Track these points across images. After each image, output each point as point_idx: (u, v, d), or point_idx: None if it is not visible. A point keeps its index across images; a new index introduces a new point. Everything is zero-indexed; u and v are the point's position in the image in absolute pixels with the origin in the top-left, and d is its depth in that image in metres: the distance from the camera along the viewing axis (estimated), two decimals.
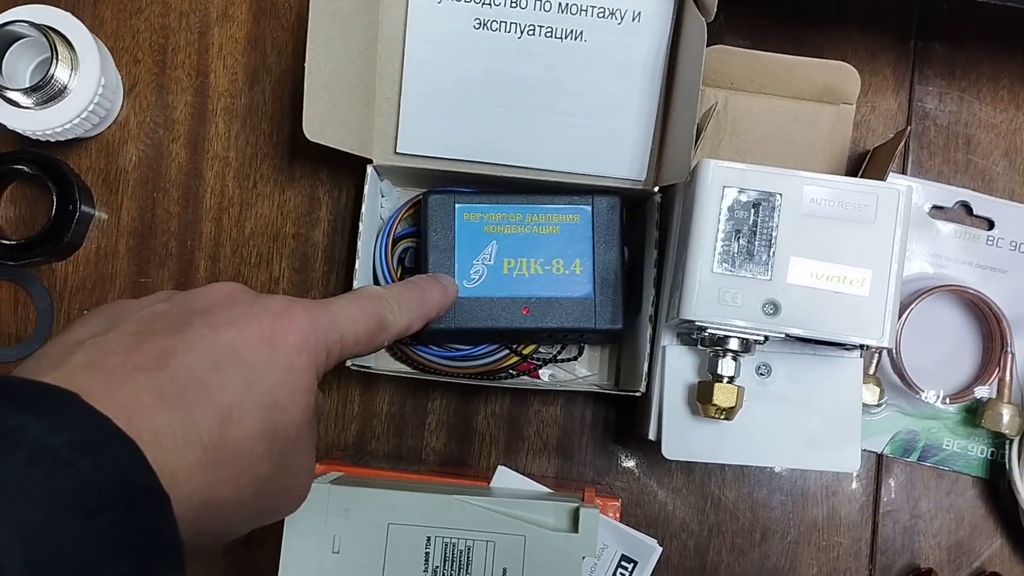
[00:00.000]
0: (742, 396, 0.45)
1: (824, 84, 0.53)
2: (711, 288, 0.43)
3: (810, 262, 0.43)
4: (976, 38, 0.58)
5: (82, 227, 0.55)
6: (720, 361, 0.44)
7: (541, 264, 0.50)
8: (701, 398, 0.45)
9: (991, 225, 0.56)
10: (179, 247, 0.56)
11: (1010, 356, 0.54)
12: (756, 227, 0.43)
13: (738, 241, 0.43)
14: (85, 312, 0.55)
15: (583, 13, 0.51)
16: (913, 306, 0.54)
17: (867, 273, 0.43)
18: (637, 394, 0.49)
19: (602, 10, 0.51)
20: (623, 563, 0.46)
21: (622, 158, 0.52)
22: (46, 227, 0.54)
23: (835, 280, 0.43)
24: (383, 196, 0.54)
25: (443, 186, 0.53)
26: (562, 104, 0.52)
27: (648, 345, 0.49)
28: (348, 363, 0.48)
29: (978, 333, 0.56)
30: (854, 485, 0.56)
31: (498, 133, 0.52)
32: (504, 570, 0.41)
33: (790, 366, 0.47)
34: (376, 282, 0.53)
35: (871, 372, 0.54)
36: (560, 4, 0.51)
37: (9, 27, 0.50)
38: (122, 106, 0.57)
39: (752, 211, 0.43)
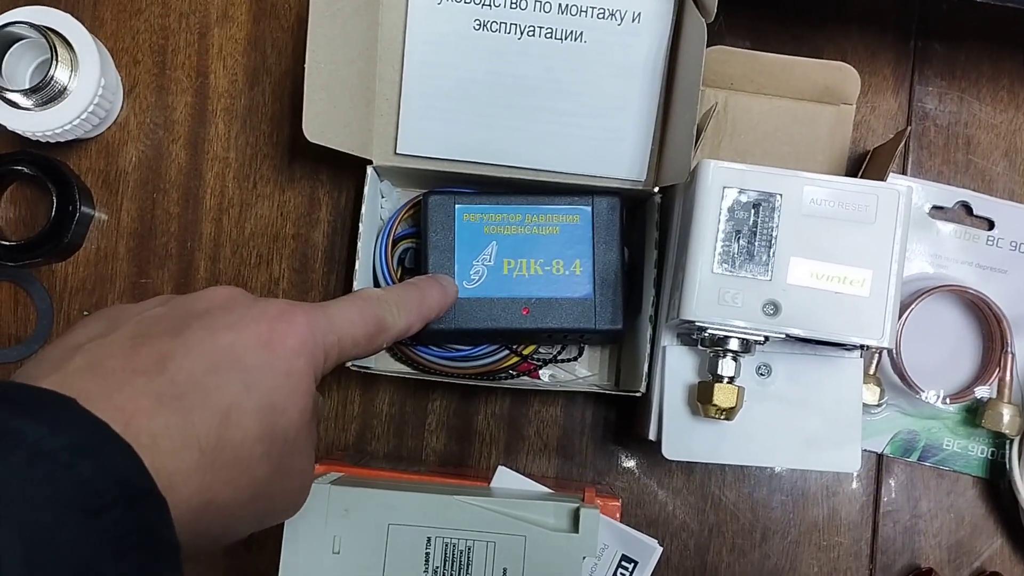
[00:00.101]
0: (742, 396, 0.45)
1: (824, 84, 0.53)
2: (711, 288, 0.43)
3: (810, 262, 0.43)
4: (976, 38, 0.58)
5: (82, 228, 0.55)
6: (720, 361, 0.44)
7: (541, 265, 0.50)
8: (701, 398, 0.45)
9: (991, 225, 0.56)
10: (179, 248, 0.56)
11: (1010, 356, 0.54)
12: (756, 227, 0.43)
13: (738, 241, 0.43)
14: (85, 313, 0.55)
15: (583, 14, 0.51)
16: (913, 306, 0.54)
17: (867, 273, 0.43)
18: (637, 394, 0.49)
19: (602, 11, 0.51)
20: (623, 563, 0.46)
21: (622, 159, 0.52)
22: (46, 228, 0.54)
23: (835, 280, 0.43)
24: (383, 197, 0.54)
25: (443, 187, 0.53)
26: (562, 105, 0.52)
27: (648, 345, 0.49)
28: (348, 364, 0.48)
29: (978, 333, 0.56)
30: (854, 485, 0.56)
31: (498, 134, 0.52)
32: (504, 570, 0.41)
33: (790, 366, 0.47)
34: (376, 283, 0.53)
35: (871, 372, 0.54)
36: (560, 5, 0.51)
37: (9, 28, 0.50)
38: (122, 107, 0.57)
39: (752, 211, 0.43)
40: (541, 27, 0.51)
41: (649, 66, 0.51)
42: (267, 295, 0.56)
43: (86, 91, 0.51)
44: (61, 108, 0.51)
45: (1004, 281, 0.56)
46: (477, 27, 0.51)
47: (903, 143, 0.51)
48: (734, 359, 0.44)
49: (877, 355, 0.54)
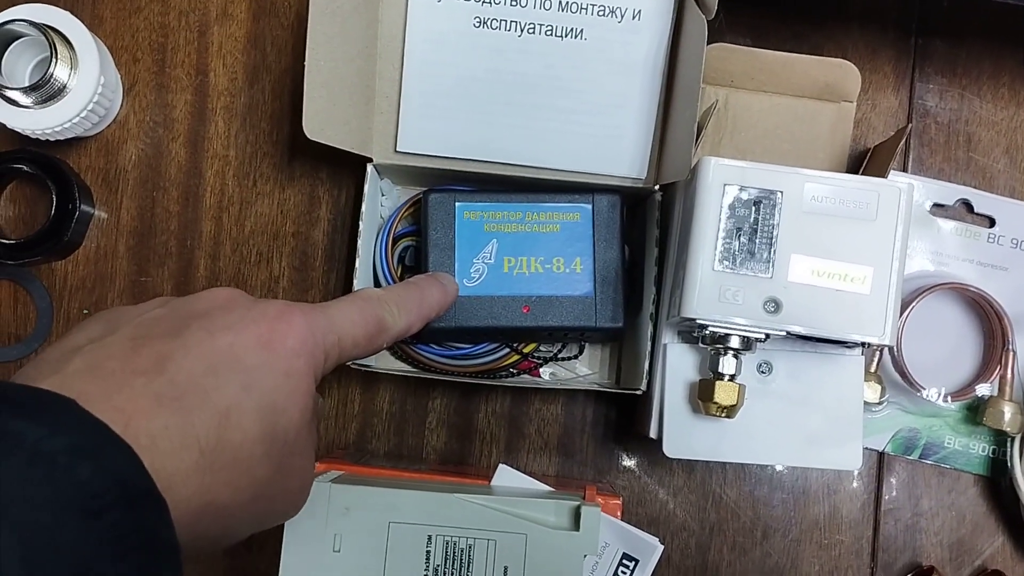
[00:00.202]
0: (743, 394, 0.45)
1: (825, 82, 0.53)
2: (712, 286, 0.43)
3: (811, 260, 0.43)
4: (977, 35, 0.58)
5: (82, 226, 0.55)
6: (721, 359, 0.44)
7: (541, 263, 0.50)
8: (702, 396, 0.45)
9: (992, 223, 0.56)
10: (179, 246, 0.56)
11: (1011, 354, 0.54)
12: (757, 225, 0.43)
13: (739, 239, 0.43)
14: (85, 312, 0.55)
15: (583, 11, 0.51)
16: (914, 304, 0.54)
17: (868, 271, 0.43)
18: (638, 392, 0.49)
19: (602, 8, 0.51)
20: (624, 561, 0.46)
21: (622, 156, 0.52)
22: (46, 226, 0.54)
23: (836, 278, 0.43)
24: (383, 195, 0.54)
25: (443, 185, 0.53)
26: (562, 102, 0.52)
27: (649, 343, 0.49)
28: (348, 362, 0.48)
29: (979, 331, 0.56)
30: (855, 483, 0.56)
31: (498, 132, 0.52)
32: (505, 569, 0.41)
33: (791, 364, 0.47)
34: (376, 281, 0.53)
35: (872, 370, 0.54)
36: (560, 2, 0.51)
37: (8, 26, 0.50)
38: (121, 105, 0.56)
39: (753, 209, 0.43)
40: (541, 24, 0.51)
41: (649, 63, 0.51)
42: (267, 293, 0.56)
43: (85, 89, 0.51)
44: (61, 106, 0.51)
45: (1005, 278, 0.56)
46: (477, 25, 0.51)
47: (904, 140, 0.51)
48: (735, 357, 0.44)
49: (878, 353, 0.54)
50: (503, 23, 0.51)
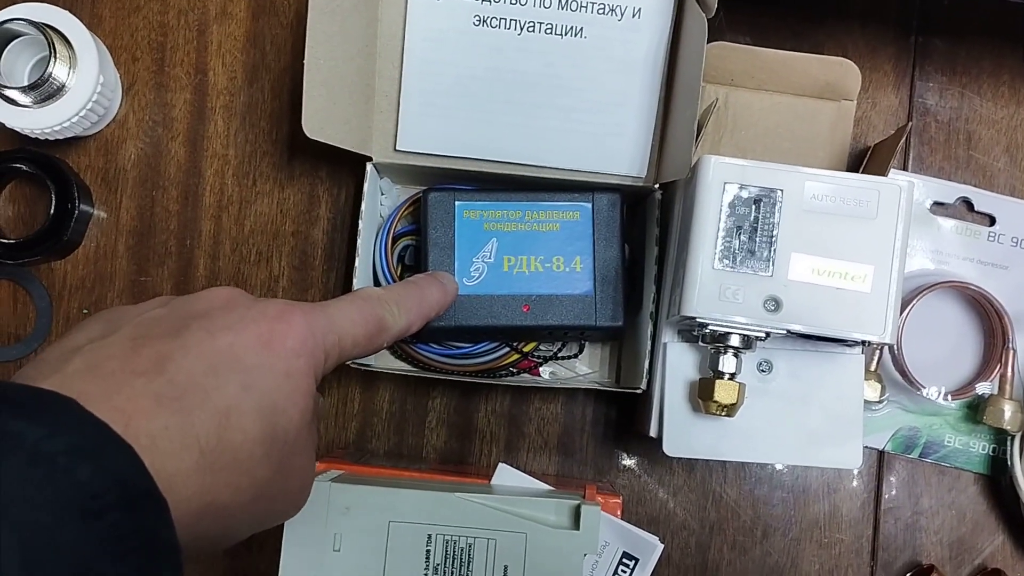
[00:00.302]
0: (743, 393, 0.45)
1: (825, 80, 0.53)
2: (712, 285, 0.43)
3: (811, 258, 0.43)
4: (977, 34, 0.58)
5: (81, 226, 0.55)
6: (721, 358, 0.44)
7: (541, 261, 0.50)
8: (702, 395, 0.45)
9: (992, 221, 0.56)
10: (178, 246, 0.56)
11: (1011, 352, 0.54)
12: (757, 223, 0.43)
13: (739, 237, 0.43)
14: (85, 312, 0.55)
15: (583, 9, 0.51)
16: (914, 302, 0.54)
17: (868, 269, 0.43)
18: (638, 391, 0.49)
19: (602, 6, 0.51)
20: (624, 560, 0.46)
21: (622, 155, 0.52)
22: (45, 226, 0.54)
23: (836, 276, 0.43)
24: (383, 194, 0.54)
25: (443, 183, 0.53)
26: (562, 101, 0.52)
27: (649, 342, 0.49)
28: (348, 362, 0.48)
29: (979, 329, 0.56)
30: (855, 482, 0.56)
31: (498, 130, 0.52)
32: (505, 567, 0.41)
33: (791, 363, 0.47)
34: (376, 280, 0.53)
35: (872, 368, 0.54)
36: (560, 1, 0.51)
37: (7, 25, 0.49)
38: (121, 104, 0.56)
39: (753, 207, 0.43)
40: (541, 23, 0.51)
41: (649, 62, 0.51)
42: (267, 293, 0.56)
43: (84, 88, 0.51)
44: (60, 105, 0.51)
45: (1005, 277, 0.56)
46: (477, 23, 0.51)
47: (904, 139, 0.51)
48: (735, 355, 0.44)
49: (878, 351, 0.54)
50: (503, 21, 0.51)
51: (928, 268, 0.56)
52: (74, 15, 0.51)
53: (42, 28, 0.49)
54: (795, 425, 0.47)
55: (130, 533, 0.23)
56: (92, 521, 0.23)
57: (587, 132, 0.52)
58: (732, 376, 0.44)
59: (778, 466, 0.56)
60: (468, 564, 0.41)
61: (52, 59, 0.49)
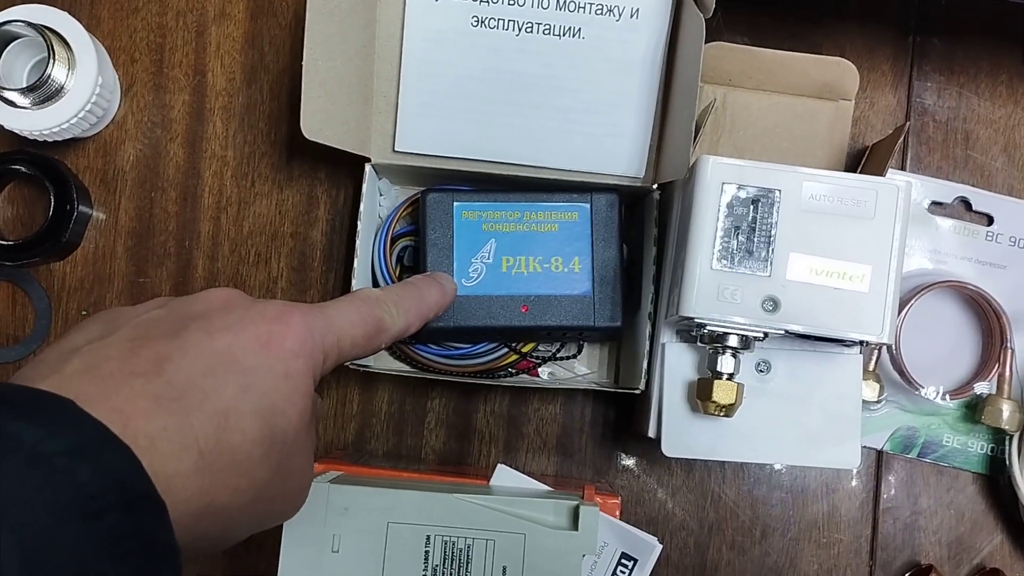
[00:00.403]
0: (742, 393, 0.45)
1: (823, 80, 0.53)
2: (710, 285, 0.43)
3: (809, 258, 0.43)
4: (975, 34, 0.58)
5: (80, 227, 0.55)
6: (720, 358, 0.44)
7: (540, 262, 0.50)
8: (701, 395, 0.45)
9: (990, 221, 0.56)
10: (177, 247, 0.56)
11: (1010, 352, 0.54)
12: (755, 223, 0.43)
13: (737, 238, 0.43)
14: (84, 313, 0.55)
15: (581, 10, 0.51)
16: (913, 302, 0.54)
17: (866, 269, 0.43)
18: (637, 392, 0.49)
19: (600, 7, 0.51)
20: (623, 561, 0.46)
21: (621, 155, 0.52)
22: (44, 227, 0.54)
23: (834, 276, 0.43)
24: (381, 195, 0.54)
25: (441, 184, 0.53)
26: (560, 101, 0.52)
27: (647, 342, 0.49)
28: (347, 363, 0.48)
29: (978, 329, 0.56)
30: (854, 482, 0.56)
31: (496, 131, 0.52)
32: (504, 568, 0.41)
33: (790, 363, 0.47)
34: (375, 281, 0.53)
35: (871, 368, 0.54)
36: (558, 1, 0.51)
37: (6, 27, 0.49)
38: (119, 106, 0.56)
39: (751, 207, 0.43)
40: (539, 23, 0.51)
41: (647, 62, 0.51)
42: (265, 294, 0.56)
43: (83, 90, 0.51)
44: (58, 107, 0.51)
45: (1003, 277, 0.56)
46: (475, 24, 0.51)
47: (902, 139, 0.51)
48: (733, 356, 0.44)
49: (876, 351, 0.54)
50: (501, 22, 0.51)
51: (926, 268, 0.56)
52: (73, 17, 0.51)
53: (41, 30, 0.49)
54: (794, 425, 0.47)
55: (129, 534, 0.23)
56: (91, 522, 0.23)
57: (585, 132, 0.52)
58: (730, 376, 0.44)
59: (777, 466, 0.56)
60: (467, 565, 0.41)
61: (51, 61, 0.49)
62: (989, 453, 0.56)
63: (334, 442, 0.56)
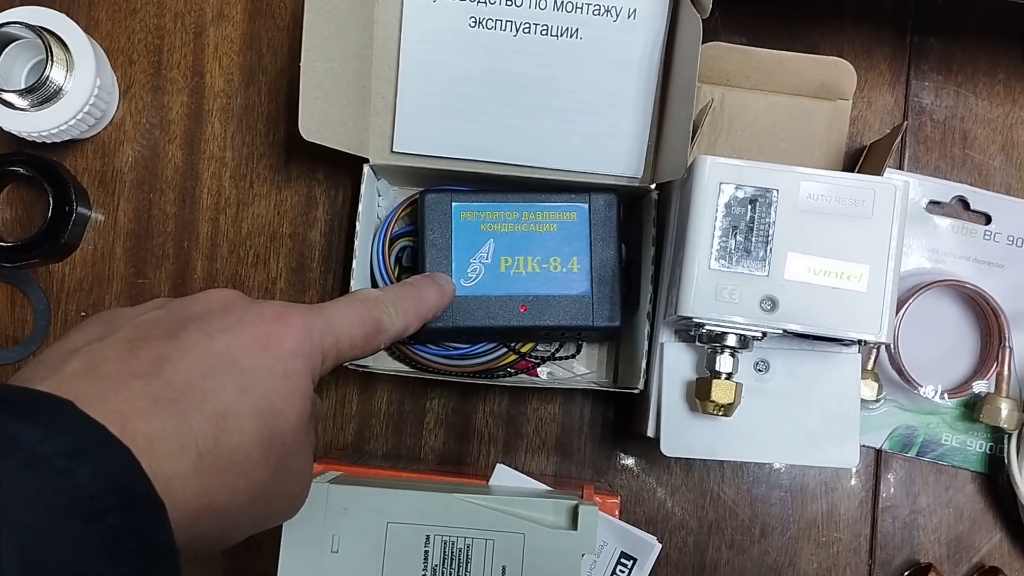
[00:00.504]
0: (740, 392, 0.45)
1: (820, 80, 0.53)
2: (708, 285, 0.43)
3: (807, 258, 0.43)
4: (972, 33, 0.58)
5: (78, 228, 0.55)
6: (718, 358, 0.44)
7: (538, 262, 0.50)
8: (699, 395, 0.45)
9: (988, 220, 0.56)
10: (176, 248, 0.56)
11: (1008, 350, 0.54)
12: (753, 223, 0.43)
13: (735, 237, 0.43)
14: (83, 314, 0.55)
15: (578, 11, 0.51)
16: (911, 301, 0.54)
17: (864, 268, 0.43)
18: (635, 391, 0.49)
19: (597, 7, 0.51)
20: (623, 560, 0.46)
21: (619, 155, 0.52)
22: (42, 229, 0.54)
23: (833, 276, 0.43)
24: (380, 195, 0.54)
25: (440, 185, 0.53)
26: (558, 102, 0.52)
27: (646, 342, 0.49)
28: (346, 363, 0.48)
29: (976, 328, 0.56)
30: (853, 481, 0.56)
31: (494, 131, 0.52)
32: (504, 568, 0.41)
33: (788, 362, 0.47)
34: (373, 282, 0.53)
35: (869, 368, 0.54)
36: (556, 2, 0.51)
37: (4, 28, 0.50)
38: (118, 107, 0.56)
39: (749, 207, 0.43)
40: (537, 24, 0.51)
41: (645, 62, 0.51)
42: (264, 294, 0.56)
43: (82, 91, 0.51)
44: (57, 108, 0.51)
45: (1002, 275, 0.56)
46: (472, 25, 0.51)
47: (900, 138, 0.51)
48: (732, 355, 0.44)
49: (875, 350, 0.54)
50: (499, 23, 0.51)
51: (924, 267, 0.56)
52: (71, 18, 0.51)
53: (39, 31, 0.49)
54: (792, 424, 0.47)
55: (128, 535, 0.24)
56: (90, 523, 0.23)
57: (583, 133, 0.52)
58: (729, 376, 0.45)
59: (776, 465, 0.56)
60: (466, 565, 0.41)
61: (49, 62, 0.49)
62: (988, 452, 0.56)
63: (333, 442, 0.56)
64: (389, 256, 0.52)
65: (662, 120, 0.51)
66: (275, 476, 0.32)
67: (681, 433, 0.47)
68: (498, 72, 0.51)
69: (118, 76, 0.56)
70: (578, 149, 0.52)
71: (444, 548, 0.41)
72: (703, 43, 0.46)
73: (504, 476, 0.47)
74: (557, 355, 0.55)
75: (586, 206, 0.51)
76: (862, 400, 0.49)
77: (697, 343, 0.46)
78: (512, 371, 0.54)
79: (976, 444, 0.56)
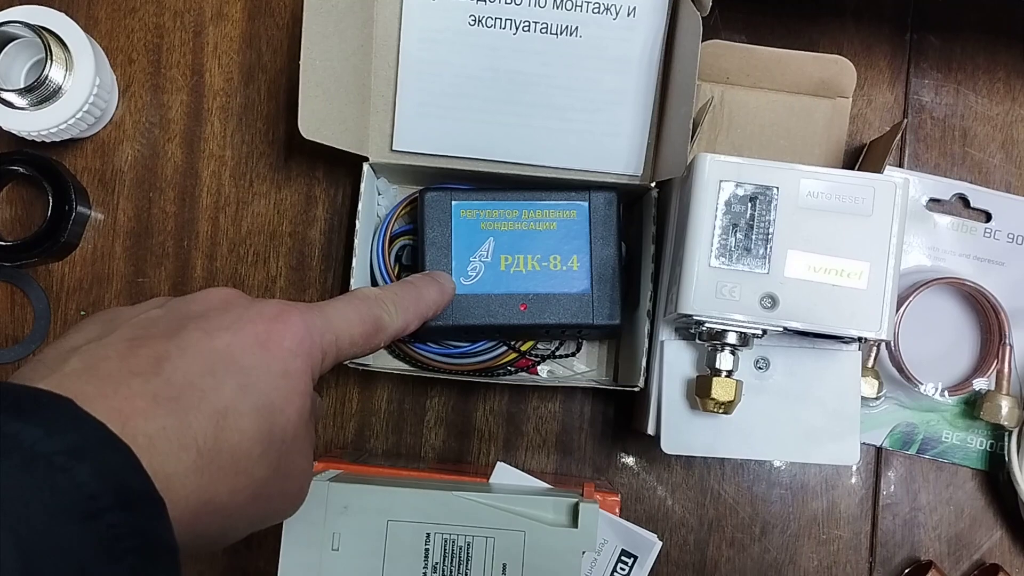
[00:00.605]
0: (741, 390, 0.45)
1: (820, 78, 0.53)
2: (709, 282, 0.43)
3: (807, 255, 0.43)
4: (972, 30, 0.58)
5: (78, 227, 0.55)
6: (718, 355, 0.44)
7: (538, 260, 0.50)
8: (700, 392, 0.45)
9: (988, 217, 0.56)
10: (176, 247, 0.56)
11: (1008, 348, 0.54)
12: (753, 221, 0.43)
13: (735, 235, 0.43)
14: (83, 313, 0.55)
15: (578, 9, 0.51)
16: (911, 299, 0.54)
17: (864, 266, 0.43)
18: (636, 389, 0.49)
19: (597, 5, 0.51)
20: (623, 558, 0.46)
21: (619, 153, 0.52)
22: (42, 228, 0.54)
23: (833, 273, 0.43)
24: (380, 194, 0.54)
25: (440, 183, 0.53)
26: (558, 100, 0.52)
27: (646, 340, 0.49)
28: (346, 361, 0.48)
29: (976, 325, 0.56)
30: (853, 478, 0.56)
31: (494, 130, 0.52)
32: (504, 566, 0.41)
33: (788, 360, 0.47)
34: (373, 280, 0.53)
35: (869, 365, 0.54)
36: (555, 0, 0.51)
37: (3, 28, 0.49)
38: (117, 106, 0.56)
39: (749, 205, 0.43)
40: (536, 22, 0.51)
41: (645, 60, 0.51)
42: (264, 293, 0.56)
43: (81, 90, 0.51)
44: (56, 107, 0.51)
45: (1002, 273, 0.56)
46: (472, 23, 0.51)
47: (899, 136, 0.51)
48: (732, 353, 0.44)
49: (875, 348, 0.54)
50: (498, 21, 0.51)
51: (924, 264, 0.56)
52: (70, 17, 0.51)
53: (38, 31, 0.49)
54: (793, 422, 0.47)
55: (128, 533, 0.24)
56: (90, 522, 0.23)
57: (583, 131, 0.52)
58: (729, 373, 0.45)
59: (776, 463, 0.56)
60: (467, 562, 0.41)
61: (48, 61, 0.49)
62: (988, 449, 0.56)
63: (334, 441, 0.56)
64: (389, 255, 0.52)
65: (662, 118, 0.51)
66: (275, 474, 0.32)
67: (681, 431, 0.47)
68: (498, 70, 0.51)
69: (117, 75, 0.56)
70: (578, 147, 0.52)
71: (444, 546, 0.41)
72: (703, 41, 0.46)
73: (504, 474, 0.47)
74: (557, 353, 0.55)
75: (586, 204, 0.51)
76: (862, 398, 0.49)
77: (697, 341, 0.46)
78: (512, 369, 0.54)
79: (976, 441, 0.56)
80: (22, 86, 0.50)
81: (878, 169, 0.50)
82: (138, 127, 0.57)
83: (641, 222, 0.52)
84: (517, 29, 0.51)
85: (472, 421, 0.56)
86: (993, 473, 0.56)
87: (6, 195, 0.56)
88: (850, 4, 0.58)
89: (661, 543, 0.46)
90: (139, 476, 0.25)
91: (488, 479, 0.47)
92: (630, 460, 0.56)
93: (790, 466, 0.56)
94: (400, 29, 0.52)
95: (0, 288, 0.56)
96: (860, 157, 0.55)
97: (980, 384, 0.55)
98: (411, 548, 0.41)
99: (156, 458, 0.26)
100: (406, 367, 0.54)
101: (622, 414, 0.56)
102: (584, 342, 0.55)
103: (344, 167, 0.56)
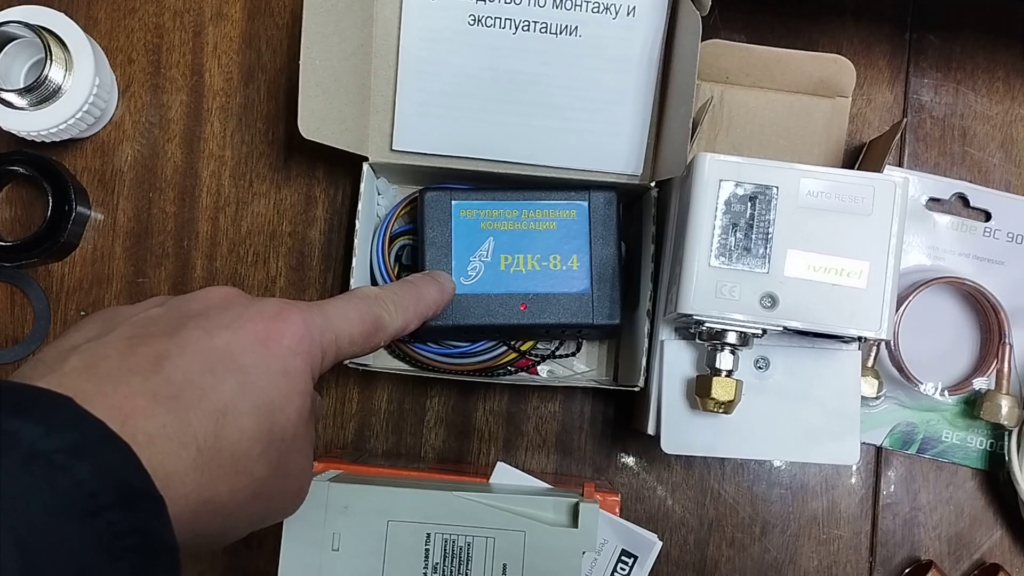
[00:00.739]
0: (740, 390, 0.45)
1: (819, 77, 0.53)
2: (708, 282, 0.43)
3: (807, 255, 0.43)
4: (971, 30, 0.58)
5: (78, 228, 0.55)
6: (718, 355, 0.44)
7: (538, 260, 0.50)
8: (700, 392, 0.45)
9: (988, 217, 0.56)
10: (176, 247, 0.56)
11: (1008, 347, 0.54)
12: (753, 220, 0.43)
13: (735, 235, 0.43)
14: (82, 313, 0.55)
15: (578, 8, 0.51)
16: (911, 298, 0.54)
17: (864, 265, 0.43)
18: (636, 389, 0.49)
19: (597, 5, 0.51)
20: (623, 558, 0.46)
21: (618, 153, 0.52)
22: (42, 228, 0.54)
23: (832, 273, 0.43)
24: (379, 193, 0.54)
25: (439, 183, 0.53)
26: (558, 100, 0.52)
27: (646, 340, 0.49)
28: (346, 361, 0.48)
29: (976, 325, 0.56)
30: (853, 478, 0.56)
31: (494, 129, 0.52)
32: (504, 566, 0.41)
33: (788, 359, 0.47)
34: (373, 280, 0.53)
35: (869, 364, 0.54)
36: (554, 0, 0.51)
37: (3, 28, 0.49)
38: (117, 106, 0.56)
39: (749, 204, 0.43)
40: (536, 22, 0.51)
41: (644, 60, 0.51)
42: (264, 293, 0.56)
43: (81, 90, 0.51)
44: (56, 107, 0.51)
45: (1001, 272, 0.56)
46: (472, 22, 0.51)
47: (899, 135, 0.51)
48: (732, 353, 0.44)
49: (875, 347, 0.54)
50: (498, 21, 0.51)
51: (924, 264, 0.56)
52: (70, 17, 0.51)
53: (38, 31, 0.49)
54: (793, 422, 0.47)
55: (127, 532, 0.23)
56: (90, 520, 0.23)
57: (583, 131, 0.52)
58: (729, 373, 0.45)
59: (776, 463, 0.56)
60: (467, 562, 0.41)
61: (48, 62, 0.49)
62: (988, 449, 0.56)
63: (334, 441, 0.56)
64: (389, 254, 0.52)
65: (662, 117, 0.51)
66: (275, 473, 0.32)
67: (681, 431, 0.47)
68: (497, 70, 0.51)
69: (117, 75, 0.56)
70: (578, 147, 0.52)
71: (445, 546, 0.41)
72: (702, 40, 0.46)
73: (504, 474, 0.47)
74: (557, 353, 0.54)
75: (586, 204, 0.51)
76: (862, 397, 0.49)
77: (697, 340, 0.46)
78: (512, 369, 0.54)
79: (976, 441, 0.56)
80: (22, 86, 0.50)
81: (878, 168, 0.50)
82: (138, 127, 0.57)
83: (641, 222, 0.52)
84: (517, 29, 0.51)
85: (472, 421, 0.56)
86: (993, 473, 0.56)
87: (6, 195, 0.56)
88: (850, 4, 0.58)
89: (661, 543, 0.46)
90: (139, 474, 0.25)
91: (488, 479, 0.47)
92: (630, 460, 0.56)
93: (790, 466, 0.56)
94: (400, 29, 0.52)
95: (0, 288, 0.56)
96: (860, 156, 0.55)
97: (980, 383, 0.55)
98: (411, 548, 0.41)
99: (156, 456, 0.26)
100: (406, 367, 0.54)
101: (622, 414, 0.56)
102: (584, 342, 0.55)
103: (344, 167, 0.56)
